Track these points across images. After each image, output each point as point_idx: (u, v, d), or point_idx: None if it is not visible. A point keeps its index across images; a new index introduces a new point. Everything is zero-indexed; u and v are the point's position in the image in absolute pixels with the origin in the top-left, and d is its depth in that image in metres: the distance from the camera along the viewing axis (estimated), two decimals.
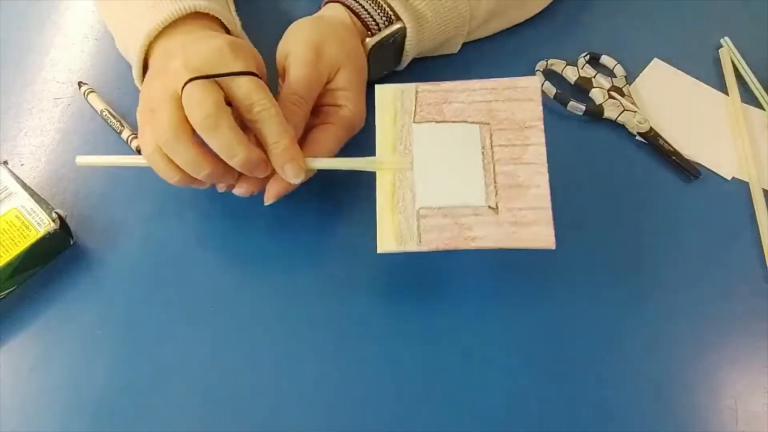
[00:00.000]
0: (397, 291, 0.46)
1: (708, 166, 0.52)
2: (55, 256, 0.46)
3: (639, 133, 0.53)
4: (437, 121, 0.42)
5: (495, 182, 0.41)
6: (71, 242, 0.46)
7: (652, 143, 0.53)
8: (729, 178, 0.52)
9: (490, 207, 0.40)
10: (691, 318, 0.45)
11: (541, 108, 0.42)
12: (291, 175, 0.42)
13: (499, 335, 0.44)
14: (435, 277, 0.46)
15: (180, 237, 0.47)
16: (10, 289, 0.44)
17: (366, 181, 0.43)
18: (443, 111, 0.42)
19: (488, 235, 0.40)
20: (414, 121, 0.42)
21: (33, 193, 0.45)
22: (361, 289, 0.45)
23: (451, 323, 0.44)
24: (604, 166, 0.52)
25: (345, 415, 0.41)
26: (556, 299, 0.45)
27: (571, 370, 0.43)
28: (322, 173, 0.45)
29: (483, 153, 0.42)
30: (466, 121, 0.42)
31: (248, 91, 0.40)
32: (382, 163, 0.42)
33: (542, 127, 0.42)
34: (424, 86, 0.43)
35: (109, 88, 0.54)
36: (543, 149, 0.42)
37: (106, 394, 0.41)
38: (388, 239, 0.40)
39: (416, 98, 0.43)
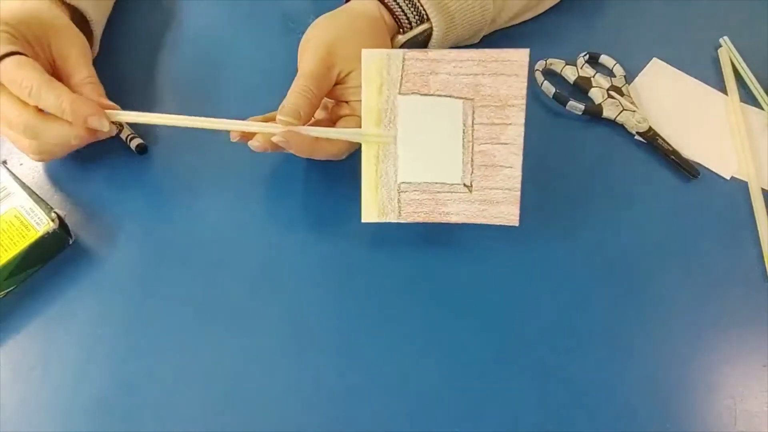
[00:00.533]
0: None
1: (707, 166, 0.53)
2: (54, 256, 0.46)
3: (638, 133, 0.53)
4: (422, 94, 0.43)
5: (472, 161, 0.43)
6: (70, 242, 0.46)
7: (651, 143, 0.53)
8: (728, 177, 0.52)
9: (464, 185, 0.44)
10: (691, 318, 0.45)
11: (525, 85, 0.42)
12: (97, 125, 0.44)
13: (497, 335, 0.44)
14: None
15: (179, 236, 0.47)
16: (10, 289, 0.44)
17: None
18: (429, 82, 0.43)
19: (461, 211, 0.44)
20: (399, 92, 0.43)
21: (32, 193, 0.45)
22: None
23: (446, 311, 0.45)
24: (603, 165, 0.52)
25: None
26: (554, 299, 0.45)
27: (570, 369, 0.43)
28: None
29: (464, 131, 0.43)
30: (450, 96, 0.43)
31: (12, 76, 0.41)
32: (368, 135, 0.44)
33: (524, 105, 0.43)
34: (411, 53, 0.42)
35: (107, 86, 0.54)
36: (521, 129, 0.43)
37: (106, 393, 0.41)
38: (371, 210, 0.44)
39: (403, 66, 0.43)
